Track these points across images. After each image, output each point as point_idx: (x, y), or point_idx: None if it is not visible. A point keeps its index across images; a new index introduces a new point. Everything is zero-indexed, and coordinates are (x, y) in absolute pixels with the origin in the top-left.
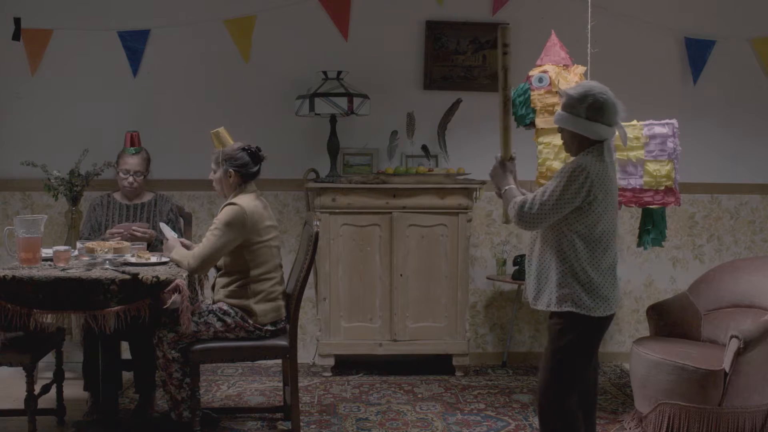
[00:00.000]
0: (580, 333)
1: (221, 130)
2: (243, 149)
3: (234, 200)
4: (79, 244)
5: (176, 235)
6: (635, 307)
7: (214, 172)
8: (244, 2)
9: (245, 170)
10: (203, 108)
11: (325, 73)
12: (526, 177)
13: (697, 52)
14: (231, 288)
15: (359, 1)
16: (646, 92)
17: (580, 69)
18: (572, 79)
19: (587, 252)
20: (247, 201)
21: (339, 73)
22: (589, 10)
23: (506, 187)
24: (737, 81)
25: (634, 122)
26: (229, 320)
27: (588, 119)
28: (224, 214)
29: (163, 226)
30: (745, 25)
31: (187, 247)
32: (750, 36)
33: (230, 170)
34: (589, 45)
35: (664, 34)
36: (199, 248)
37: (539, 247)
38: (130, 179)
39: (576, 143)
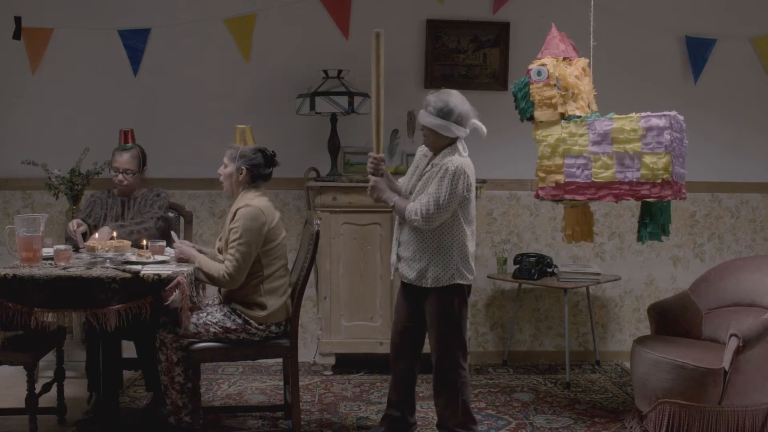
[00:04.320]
0: (464, 298)
1: (247, 128)
2: (259, 150)
3: (248, 201)
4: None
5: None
6: (636, 306)
7: (225, 167)
8: (245, 1)
9: (257, 171)
10: (204, 107)
11: (325, 71)
12: (525, 175)
13: (698, 51)
14: (242, 289)
15: None
16: (647, 91)
17: (583, 62)
18: (573, 71)
19: (469, 232)
20: (258, 201)
21: (339, 71)
22: (592, 9)
23: (393, 201)
24: (738, 80)
25: (632, 114)
26: (229, 323)
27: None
28: (244, 219)
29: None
30: (746, 24)
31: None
32: (751, 35)
33: (243, 168)
34: (591, 44)
35: (664, 33)
36: (231, 261)
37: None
38: (120, 177)
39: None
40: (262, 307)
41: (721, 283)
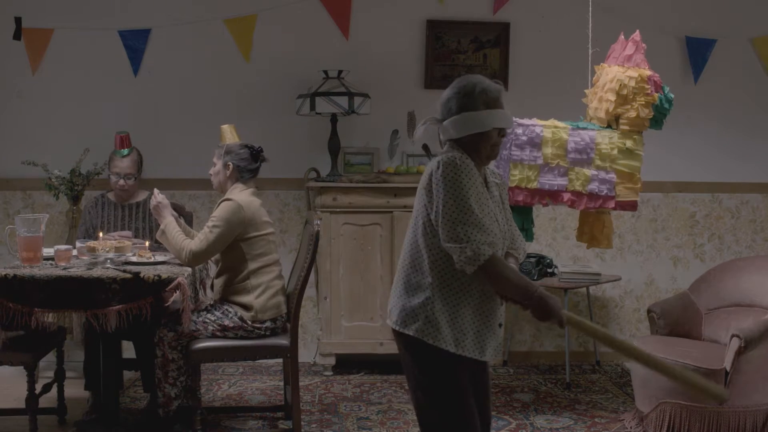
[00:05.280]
0: None
1: (231, 126)
2: (245, 146)
3: (230, 196)
4: (78, 243)
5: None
6: (636, 306)
7: (214, 165)
8: (245, 1)
9: (244, 166)
10: (204, 107)
11: (325, 72)
12: None
13: (698, 52)
14: (230, 286)
15: None
16: None
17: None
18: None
19: None
20: (243, 196)
21: (340, 72)
22: (590, 9)
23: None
24: (738, 80)
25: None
26: (227, 321)
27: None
28: (221, 210)
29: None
30: (746, 25)
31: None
32: (750, 35)
33: (229, 163)
34: (590, 45)
35: (664, 33)
36: (196, 243)
37: None
38: (122, 182)
39: None
40: (250, 302)
41: (721, 284)
